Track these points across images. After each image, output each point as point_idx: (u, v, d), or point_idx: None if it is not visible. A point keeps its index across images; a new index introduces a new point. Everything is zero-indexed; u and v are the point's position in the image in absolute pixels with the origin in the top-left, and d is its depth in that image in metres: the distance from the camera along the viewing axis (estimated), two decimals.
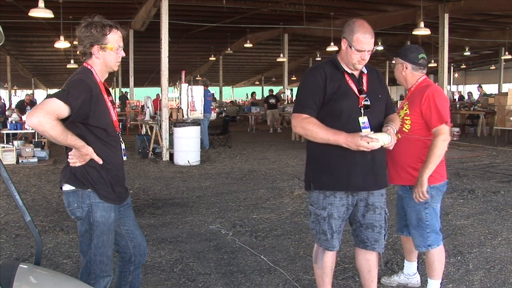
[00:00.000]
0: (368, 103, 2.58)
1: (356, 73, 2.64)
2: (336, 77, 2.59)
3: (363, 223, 2.72)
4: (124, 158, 2.55)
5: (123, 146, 2.54)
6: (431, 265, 3.10)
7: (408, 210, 3.07)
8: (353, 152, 2.52)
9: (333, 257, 2.80)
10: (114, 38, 2.38)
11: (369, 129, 2.55)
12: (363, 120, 2.56)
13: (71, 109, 2.20)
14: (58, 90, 2.37)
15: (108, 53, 2.37)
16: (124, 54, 2.46)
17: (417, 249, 3.16)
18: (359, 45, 2.50)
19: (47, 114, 2.12)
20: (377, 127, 2.59)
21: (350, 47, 2.52)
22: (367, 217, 2.70)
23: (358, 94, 2.59)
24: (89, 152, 2.28)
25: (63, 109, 2.18)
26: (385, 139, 2.46)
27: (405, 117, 3.00)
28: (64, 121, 2.21)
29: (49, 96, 2.22)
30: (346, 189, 2.62)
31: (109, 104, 2.43)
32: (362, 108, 2.57)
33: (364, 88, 2.62)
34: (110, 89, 2.66)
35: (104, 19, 2.40)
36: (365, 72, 2.68)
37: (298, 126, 2.58)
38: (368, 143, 2.39)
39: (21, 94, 30.92)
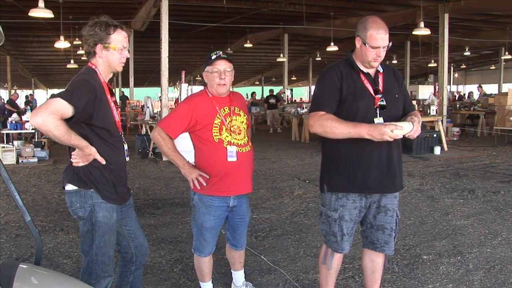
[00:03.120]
0: (384, 103, 2.52)
1: (371, 72, 2.59)
2: (352, 77, 2.54)
3: (373, 225, 2.69)
4: (127, 158, 2.55)
5: (125, 146, 2.53)
6: (242, 260, 3.25)
7: (244, 216, 3.03)
8: (370, 153, 2.49)
9: (340, 259, 2.78)
10: (118, 38, 2.37)
11: None
12: (378, 121, 2.50)
13: (75, 109, 2.20)
14: (62, 90, 2.37)
15: (111, 53, 2.37)
16: (128, 55, 2.45)
17: (238, 249, 3.13)
18: (374, 41, 2.45)
19: (51, 113, 2.12)
20: None
21: (365, 45, 2.47)
22: (378, 219, 2.67)
23: (373, 94, 2.53)
24: (93, 152, 2.28)
25: (67, 109, 2.18)
26: (407, 127, 2.36)
27: (246, 123, 2.97)
28: (68, 121, 2.21)
29: (53, 96, 2.23)
30: (362, 191, 2.57)
31: (112, 104, 2.43)
32: (377, 109, 2.52)
33: (380, 88, 2.56)
34: None
35: (111, 19, 2.40)
36: (381, 71, 2.62)
37: (316, 124, 2.47)
38: (392, 131, 2.29)
39: (21, 94, 30.93)
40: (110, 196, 2.39)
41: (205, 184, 2.80)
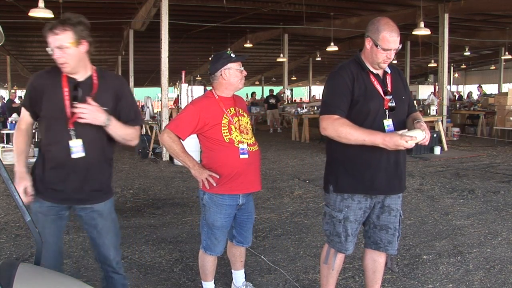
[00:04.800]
0: (394, 104, 2.51)
1: (380, 73, 2.58)
2: (362, 78, 2.52)
3: (377, 225, 2.68)
4: (75, 155, 2.35)
5: (74, 142, 2.35)
6: (243, 259, 3.27)
7: (250, 214, 3.10)
8: (379, 156, 2.48)
9: (341, 259, 2.78)
10: (48, 39, 2.32)
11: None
12: (388, 123, 2.49)
13: (26, 109, 2.44)
14: None
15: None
16: (57, 55, 2.29)
17: (245, 245, 3.17)
18: (386, 43, 2.43)
19: (19, 121, 2.46)
20: (400, 129, 2.51)
21: (376, 46, 2.45)
22: (382, 219, 2.66)
23: (383, 96, 2.52)
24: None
25: (24, 113, 2.45)
26: (420, 136, 2.35)
27: (250, 124, 3.07)
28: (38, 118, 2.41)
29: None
30: (368, 192, 2.56)
31: (67, 97, 2.33)
32: (387, 110, 2.50)
33: (389, 89, 2.55)
34: None
35: (62, 18, 2.36)
36: (389, 72, 2.61)
37: (330, 127, 2.43)
38: (407, 142, 2.29)
39: (21, 94, 30.94)
40: (37, 190, 2.40)
41: (215, 184, 2.83)
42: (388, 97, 2.52)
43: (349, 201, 2.58)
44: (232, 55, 2.94)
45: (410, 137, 2.31)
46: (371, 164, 2.51)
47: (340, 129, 2.40)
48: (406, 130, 2.42)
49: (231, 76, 2.92)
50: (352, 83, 2.49)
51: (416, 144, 2.39)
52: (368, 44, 2.51)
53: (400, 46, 2.50)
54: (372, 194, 2.58)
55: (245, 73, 3.00)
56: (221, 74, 2.90)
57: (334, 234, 2.66)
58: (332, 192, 2.63)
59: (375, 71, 2.56)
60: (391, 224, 2.67)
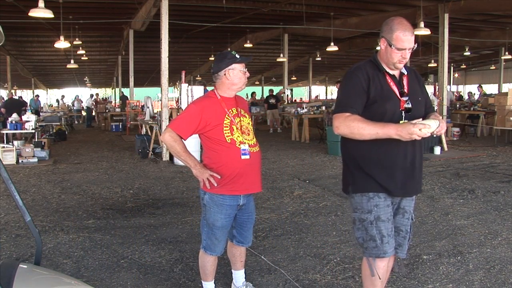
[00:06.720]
0: (410, 106, 2.48)
1: (396, 74, 2.55)
2: (378, 79, 2.49)
3: None
4: None
5: None
6: (243, 259, 3.27)
7: (251, 214, 3.10)
8: (395, 156, 2.46)
9: (385, 267, 2.61)
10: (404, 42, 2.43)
11: None
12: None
13: None
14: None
15: None
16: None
17: (245, 245, 3.17)
18: (400, 43, 2.41)
19: None
20: None
21: (390, 46, 2.43)
22: (395, 221, 2.62)
23: (399, 97, 2.49)
24: None
25: None
26: (434, 125, 2.31)
27: (250, 126, 3.06)
28: None
29: None
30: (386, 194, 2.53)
31: None
32: (403, 112, 2.47)
33: (406, 90, 2.53)
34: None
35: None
36: (406, 73, 2.58)
37: (342, 125, 2.40)
38: (421, 130, 2.25)
39: (21, 94, 30.95)
40: None
41: (216, 185, 2.83)
42: (404, 98, 2.49)
43: (376, 200, 2.51)
44: (237, 55, 2.92)
45: (424, 125, 2.28)
46: (387, 163, 2.48)
47: (352, 125, 2.37)
48: (421, 119, 2.38)
49: (235, 77, 2.91)
50: (368, 83, 2.46)
51: (432, 134, 2.34)
52: (382, 44, 2.49)
53: (416, 46, 2.47)
54: (388, 195, 2.53)
55: (248, 74, 2.99)
56: (224, 74, 2.90)
57: (368, 239, 2.54)
58: (352, 193, 2.58)
59: (391, 72, 2.53)
60: (403, 226, 2.64)
